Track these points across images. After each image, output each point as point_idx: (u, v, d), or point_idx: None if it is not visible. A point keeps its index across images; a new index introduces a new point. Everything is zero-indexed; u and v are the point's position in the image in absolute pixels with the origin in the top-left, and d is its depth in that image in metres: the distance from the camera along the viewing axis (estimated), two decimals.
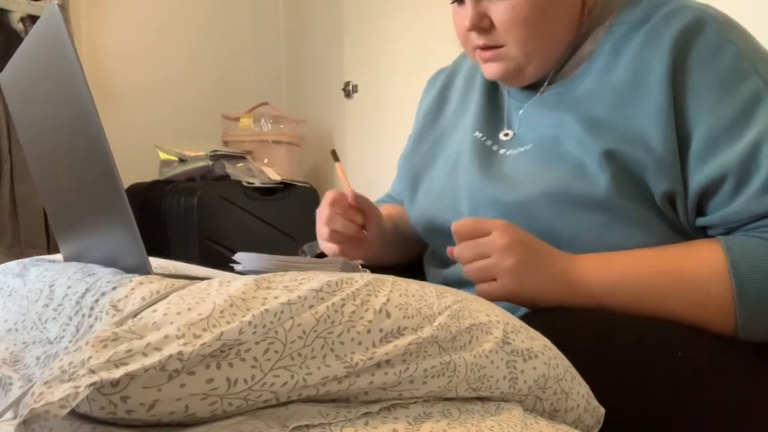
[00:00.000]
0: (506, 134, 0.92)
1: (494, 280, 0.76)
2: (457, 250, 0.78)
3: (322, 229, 0.97)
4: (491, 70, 0.89)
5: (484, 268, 0.76)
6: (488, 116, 0.96)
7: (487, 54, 0.88)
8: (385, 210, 1.13)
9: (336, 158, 1.05)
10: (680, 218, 0.78)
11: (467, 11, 0.86)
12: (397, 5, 2.85)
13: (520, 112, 0.92)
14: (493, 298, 0.74)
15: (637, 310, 0.74)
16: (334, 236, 0.96)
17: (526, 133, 0.90)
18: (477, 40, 0.88)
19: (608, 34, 0.85)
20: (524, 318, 0.66)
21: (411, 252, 1.10)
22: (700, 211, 0.78)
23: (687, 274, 0.74)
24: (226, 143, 3.14)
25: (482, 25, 0.86)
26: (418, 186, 1.01)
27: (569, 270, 0.76)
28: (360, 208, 0.97)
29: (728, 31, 0.78)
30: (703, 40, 0.77)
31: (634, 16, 0.83)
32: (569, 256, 0.78)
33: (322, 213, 0.96)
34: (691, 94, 0.76)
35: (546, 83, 0.90)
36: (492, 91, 0.99)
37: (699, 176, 0.76)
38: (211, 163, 2.77)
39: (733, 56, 0.76)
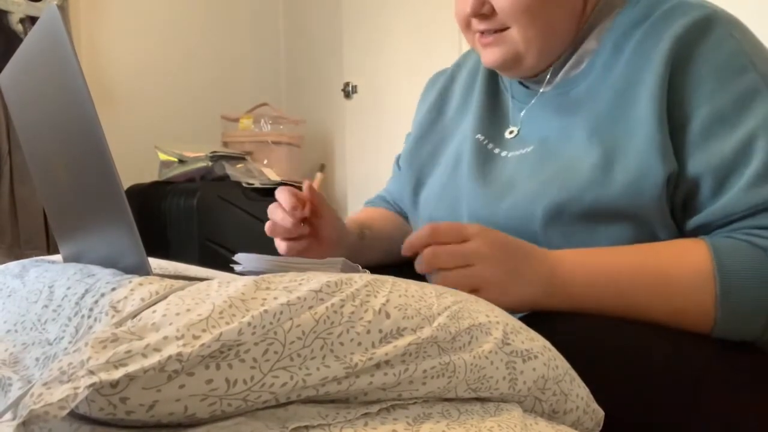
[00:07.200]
0: (511, 132, 0.92)
1: (476, 289, 0.71)
2: (430, 254, 0.72)
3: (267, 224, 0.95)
4: (490, 56, 0.89)
5: (467, 277, 0.71)
6: (490, 118, 0.96)
7: (488, 39, 0.88)
8: (364, 214, 1.11)
9: (321, 170, 1.03)
10: (676, 211, 0.78)
11: None
12: (397, 5, 2.85)
13: (522, 113, 0.92)
14: None
15: (616, 311, 0.73)
16: (276, 230, 0.93)
17: (528, 134, 0.90)
18: (478, 25, 0.88)
19: (609, 32, 0.85)
20: (523, 321, 0.66)
21: (392, 257, 1.04)
22: (688, 210, 0.77)
23: (670, 276, 0.73)
24: (225, 144, 3.14)
25: (483, 11, 0.86)
26: (420, 190, 1.01)
27: (551, 275, 0.74)
28: (315, 206, 0.93)
29: (730, 26, 0.79)
30: (705, 36, 0.77)
31: (635, 14, 0.84)
32: (550, 258, 0.75)
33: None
34: (689, 83, 0.77)
35: (546, 82, 0.90)
36: (493, 92, 0.99)
37: (693, 165, 0.75)
38: (210, 163, 2.77)
39: (732, 50, 0.77)
